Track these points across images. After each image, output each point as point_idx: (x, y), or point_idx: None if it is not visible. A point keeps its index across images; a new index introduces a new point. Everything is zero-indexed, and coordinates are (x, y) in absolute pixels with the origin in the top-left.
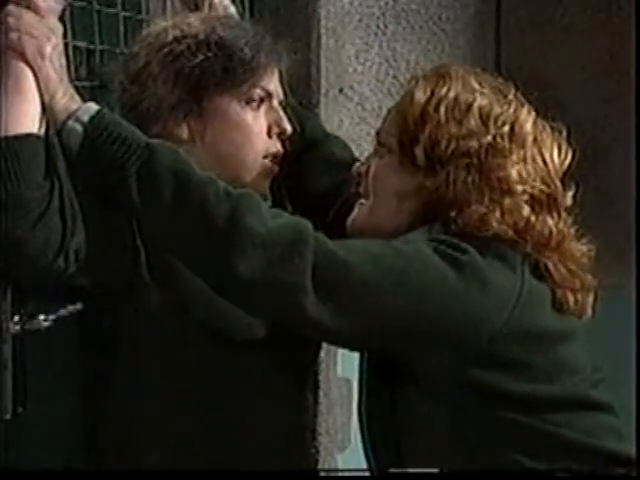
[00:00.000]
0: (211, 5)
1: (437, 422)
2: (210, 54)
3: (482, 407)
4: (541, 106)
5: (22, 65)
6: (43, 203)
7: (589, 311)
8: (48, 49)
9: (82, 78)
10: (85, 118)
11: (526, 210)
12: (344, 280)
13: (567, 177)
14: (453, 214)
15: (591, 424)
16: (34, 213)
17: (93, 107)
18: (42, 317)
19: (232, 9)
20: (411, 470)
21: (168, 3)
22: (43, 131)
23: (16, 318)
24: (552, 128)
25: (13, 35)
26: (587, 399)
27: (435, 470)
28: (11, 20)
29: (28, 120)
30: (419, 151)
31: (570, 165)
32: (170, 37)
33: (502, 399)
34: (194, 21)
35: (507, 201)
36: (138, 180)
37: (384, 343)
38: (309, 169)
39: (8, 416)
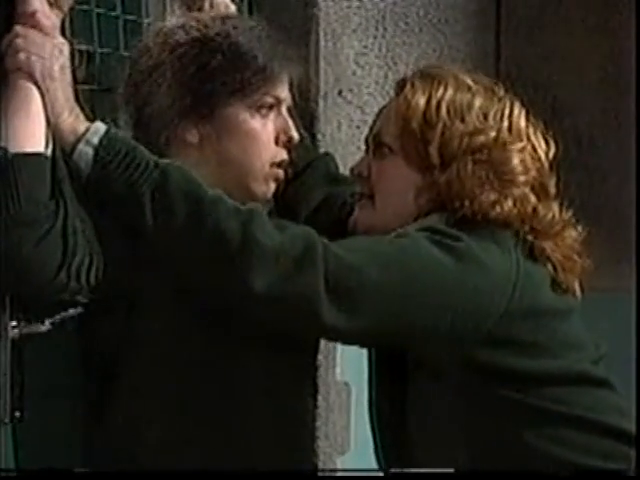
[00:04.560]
0: (212, 5)
1: (446, 405)
2: (225, 60)
3: (490, 388)
4: (541, 107)
5: (30, 85)
6: (47, 222)
7: (578, 291)
8: (56, 69)
9: (82, 81)
10: (95, 140)
11: (533, 198)
12: (354, 283)
13: (553, 167)
14: (467, 203)
15: (592, 400)
16: (39, 231)
17: (101, 128)
18: (40, 321)
19: (232, 8)
20: (413, 470)
21: (168, 6)
22: (50, 151)
23: (14, 322)
24: (537, 122)
25: (22, 56)
26: (588, 375)
27: (438, 470)
28: (19, 41)
29: (35, 140)
30: (433, 150)
31: (555, 156)
32: (184, 38)
33: (509, 378)
34: (208, 21)
35: (515, 191)
36: (152, 202)
37: (396, 338)
38: (308, 186)
39: (6, 421)
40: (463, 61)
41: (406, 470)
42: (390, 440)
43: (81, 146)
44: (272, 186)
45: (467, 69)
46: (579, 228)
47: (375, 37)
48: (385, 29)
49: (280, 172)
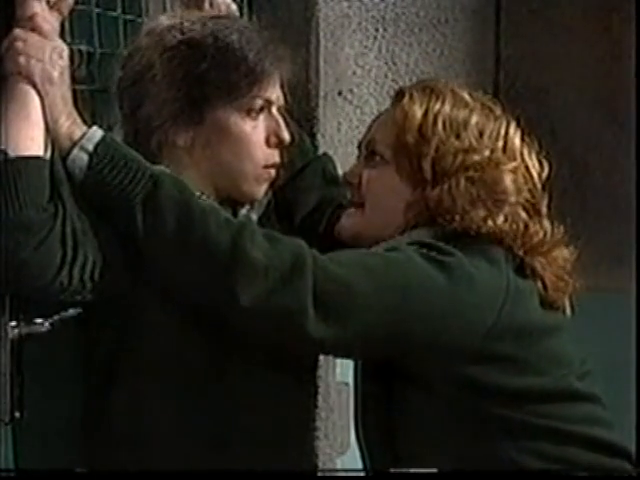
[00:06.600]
0: (212, 3)
1: (432, 419)
2: (214, 63)
3: (475, 403)
4: (540, 107)
5: (29, 89)
6: (46, 226)
7: (568, 310)
8: (55, 73)
9: (82, 81)
10: (90, 147)
11: (524, 215)
12: (343, 297)
13: (546, 188)
14: (457, 218)
15: (578, 414)
16: (38, 235)
17: (97, 134)
18: (40, 321)
19: (234, 7)
20: (410, 470)
21: (168, 6)
22: (49, 155)
23: (14, 322)
24: (531, 141)
25: (22, 59)
26: (574, 391)
27: (434, 470)
28: (19, 44)
29: (34, 144)
30: (426, 165)
31: (548, 176)
32: (175, 39)
33: (495, 394)
34: (197, 22)
35: (506, 209)
36: (143, 211)
37: (385, 350)
38: (305, 188)
39: (6, 421)
40: (463, 61)
41: (405, 470)
42: (374, 448)
43: (76, 152)
44: (264, 187)
45: (467, 70)
46: (571, 248)
47: (375, 37)
48: (385, 29)
49: (272, 173)
